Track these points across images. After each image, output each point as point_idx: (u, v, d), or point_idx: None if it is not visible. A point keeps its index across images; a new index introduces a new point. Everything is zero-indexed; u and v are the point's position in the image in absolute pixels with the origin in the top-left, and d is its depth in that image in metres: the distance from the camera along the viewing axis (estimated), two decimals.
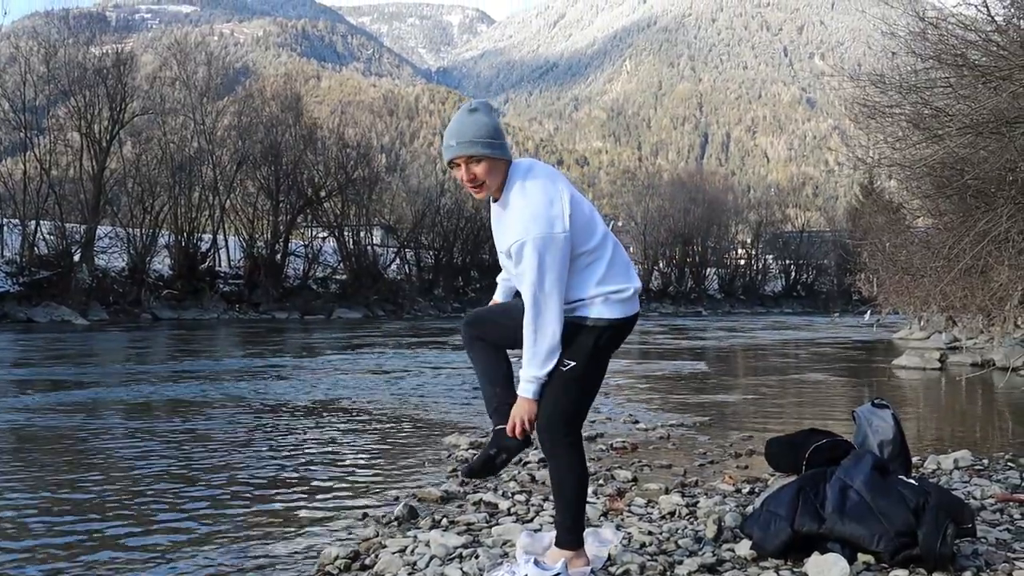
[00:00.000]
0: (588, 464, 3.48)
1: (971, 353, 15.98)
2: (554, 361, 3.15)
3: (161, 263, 38.63)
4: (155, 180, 38.68)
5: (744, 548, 3.61)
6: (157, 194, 38.65)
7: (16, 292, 31.03)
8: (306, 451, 6.48)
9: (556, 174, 3.28)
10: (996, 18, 10.40)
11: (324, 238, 46.13)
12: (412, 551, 3.70)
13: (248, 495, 5.05)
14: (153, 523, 4.43)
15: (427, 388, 11.02)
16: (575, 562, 3.26)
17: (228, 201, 42.77)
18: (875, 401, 4.85)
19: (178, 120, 41.56)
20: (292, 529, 4.32)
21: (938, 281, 13.88)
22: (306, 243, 45.29)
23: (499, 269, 3.66)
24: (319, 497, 5.01)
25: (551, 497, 4.56)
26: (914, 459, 5.37)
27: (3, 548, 3.97)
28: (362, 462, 6.11)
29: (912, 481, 3.61)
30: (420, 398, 9.93)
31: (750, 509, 4.14)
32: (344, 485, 5.35)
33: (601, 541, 3.65)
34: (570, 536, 3.30)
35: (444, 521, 4.25)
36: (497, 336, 3.41)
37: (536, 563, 3.07)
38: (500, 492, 4.91)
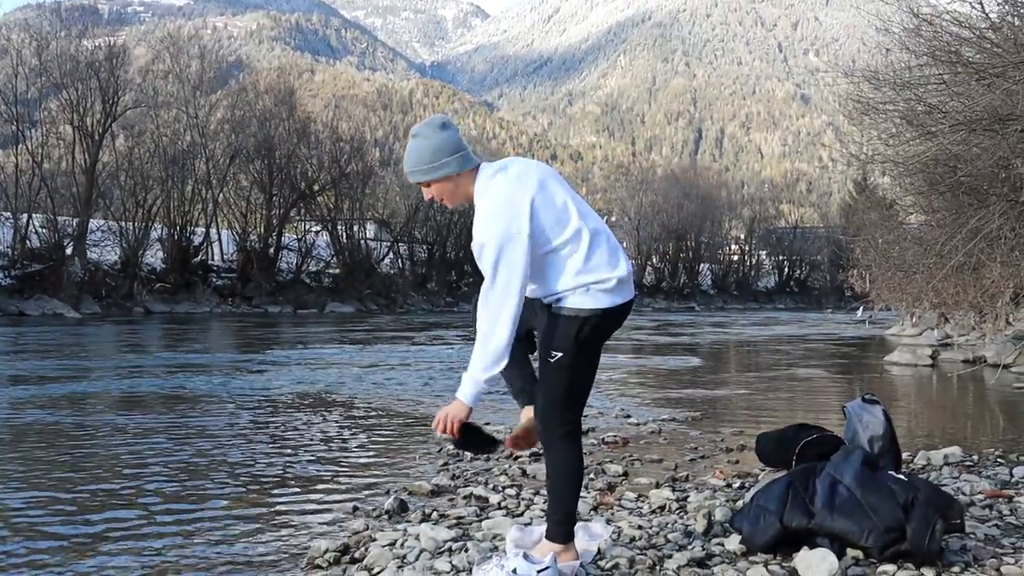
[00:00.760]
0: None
1: (963, 350, 16.04)
2: (498, 369, 3.12)
3: (154, 257, 38.53)
4: (148, 173, 38.57)
5: (733, 542, 3.62)
6: (150, 187, 38.53)
7: (8, 285, 30.95)
8: (296, 445, 6.47)
9: (528, 171, 3.25)
10: (990, 15, 10.42)
11: (317, 232, 46.07)
12: (402, 544, 3.70)
13: (238, 488, 5.04)
14: (141, 516, 4.41)
15: (418, 382, 11.02)
16: (564, 556, 3.26)
17: (221, 195, 42.71)
18: (865, 397, 4.85)
19: (171, 113, 41.43)
20: (282, 522, 4.31)
21: (930, 278, 13.89)
22: (299, 237, 45.20)
23: None
24: (309, 490, 5.00)
25: (542, 491, 4.57)
26: (904, 455, 5.38)
27: None
28: (352, 456, 6.11)
29: (902, 477, 3.62)
30: (411, 392, 9.93)
31: (740, 504, 4.14)
32: (334, 479, 5.34)
33: (591, 535, 3.64)
34: (561, 529, 3.30)
35: (434, 515, 4.25)
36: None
37: (525, 557, 3.07)
38: (490, 486, 4.91)
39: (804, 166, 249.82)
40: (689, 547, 3.63)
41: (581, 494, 4.41)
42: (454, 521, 4.12)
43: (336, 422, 7.63)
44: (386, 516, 4.32)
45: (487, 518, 4.14)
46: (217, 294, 38.62)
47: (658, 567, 3.38)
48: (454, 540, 3.73)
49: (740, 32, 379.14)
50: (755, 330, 28.99)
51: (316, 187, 44.94)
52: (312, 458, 5.98)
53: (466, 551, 3.53)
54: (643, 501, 4.54)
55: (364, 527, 4.09)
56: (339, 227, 45.73)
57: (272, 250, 42.56)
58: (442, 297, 47.96)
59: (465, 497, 4.67)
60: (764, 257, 75.19)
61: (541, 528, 3.48)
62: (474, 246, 3.17)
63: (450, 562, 3.40)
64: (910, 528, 3.31)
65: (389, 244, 49.36)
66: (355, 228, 46.99)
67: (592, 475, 5.22)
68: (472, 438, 3.27)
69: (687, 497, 4.58)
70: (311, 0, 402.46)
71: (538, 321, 3.34)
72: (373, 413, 8.25)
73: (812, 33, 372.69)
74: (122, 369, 12.21)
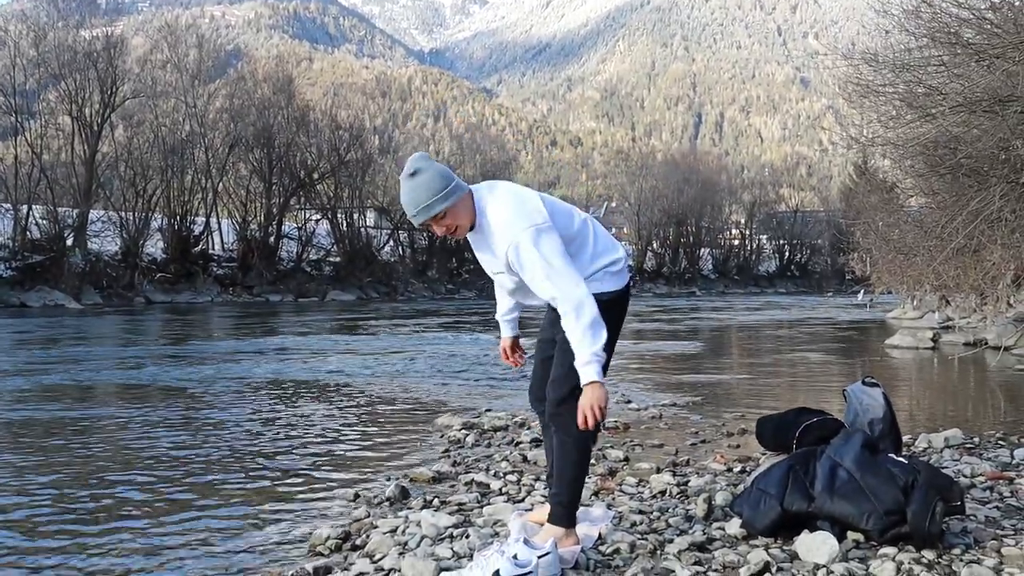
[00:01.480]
0: None
1: (964, 332, 16.03)
2: (603, 331, 3.10)
3: (154, 246, 38.48)
4: (147, 163, 38.47)
5: (734, 526, 3.63)
6: (149, 177, 38.44)
7: (9, 277, 30.92)
8: (298, 432, 6.48)
9: (517, 185, 3.34)
10: None
11: (317, 220, 46.02)
12: (403, 531, 3.71)
13: (239, 476, 5.06)
14: (142, 505, 4.43)
15: (420, 370, 11.03)
16: (565, 541, 3.27)
17: (221, 184, 42.63)
18: (866, 380, 4.85)
19: (170, 103, 41.28)
20: (283, 509, 4.32)
21: (931, 260, 13.87)
22: (299, 226, 45.14)
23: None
24: (310, 477, 5.01)
25: (542, 477, 4.58)
26: (905, 437, 5.38)
27: None
28: (354, 443, 6.11)
29: (902, 459, 3.62)
30: (412, 379, 9.93)
31: (741, 488, 4.15)
32: (335, 466, 5.35)
33: (592, 520, 3.66)
34: (565, 512, 3.32)
35: (435, 501, 4.25)
36: None
37: (526, 542, 3.08)
38: (492, 472, 4.91)
39: (804, 150, 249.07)
40: (690, 531, 3.63)
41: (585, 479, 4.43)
42: (455, 507, 4.13)
43: (338, 409, 7.63)
44: (387, 503, 4.32)
45: (488, 504, 4.14)
46: (218, 283, 38.61)
47: (659, 551, 3.39)
48: (455, 526, 3.74)
49: (739, 15, 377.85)
50: (756, 314, 28.99)
51: (316, 175, 44.88)
52: (313, 445, 5.99)
53: (467, 537, 3.54)
54: (644, 486, 4.54)
55: (365, 514, 4.10)
56: (339, 215, 45.67)
57: (272, 239, 42.51)
58: (443, 284, 47.93)
59: (466, 483, 4.67)
60: (765, 241, 75.05)
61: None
62: (503, 255, 3.17)
63: (451, 548, 3.41)
64: (910, 511, 3.31)
65: (389, 232, 49.30)
66: (355, 216, 46.93)
67: (593, 460, 5.22)
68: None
69: (688, 482, 4.58)
70: None
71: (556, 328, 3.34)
72: (374, 400, 8.27)
73: (811, 16, 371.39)
74: (123, 360, 12.21)
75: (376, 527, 3.82)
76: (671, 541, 3.48)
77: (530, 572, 3.00)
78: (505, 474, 4.84)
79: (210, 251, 41.35)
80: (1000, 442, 5.88)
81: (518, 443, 5.77)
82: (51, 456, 5.65)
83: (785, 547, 3.40)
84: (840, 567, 3.14)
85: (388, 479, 4.85)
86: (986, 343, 13.79)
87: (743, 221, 74.58)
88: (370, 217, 49.89)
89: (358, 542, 3.66)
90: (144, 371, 10.67)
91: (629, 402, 7.89)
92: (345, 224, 45.93)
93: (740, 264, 71.27)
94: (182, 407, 7.73)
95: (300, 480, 4.97)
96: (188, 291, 36.45)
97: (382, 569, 3.27)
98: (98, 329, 19.46)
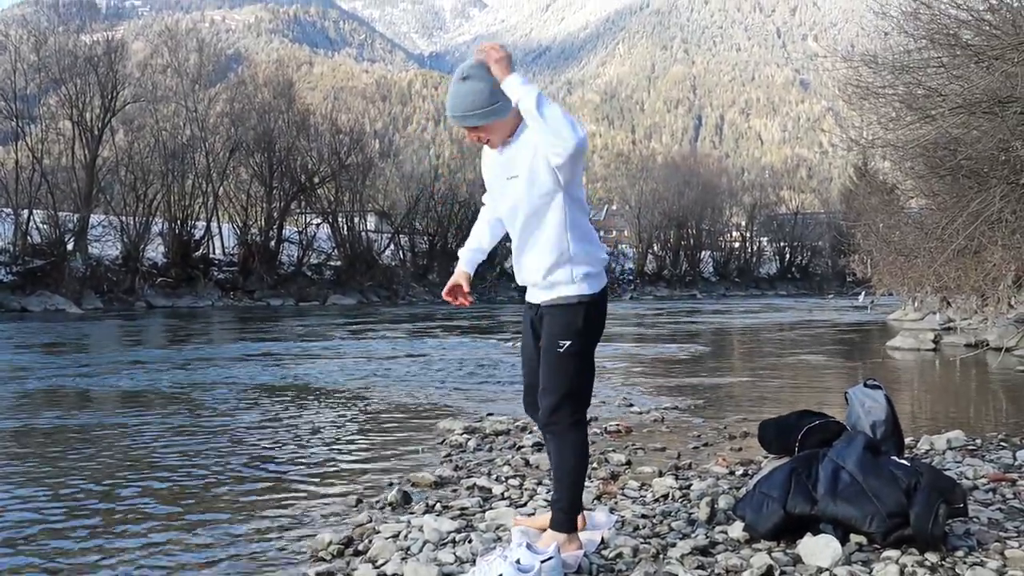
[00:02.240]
0: None
1: (965, 334, 16.02)
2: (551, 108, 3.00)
3: (155, 251, 38.49)
4: (148, 168, 38.51)
5: (737, 530, 3.62)
6: (150, 182, 38.49)
7: (10, 281, 30.95)
8: (299, 436, 6.47)
9: None
10: None
11: (318, 224, 46.02)
12: (405, 536, 3.70)
13: (240, 480, 5.05)
14: (145, 509, 4.42)
15: (421, 373, 11.02)
16: (568, 546, 3.27)
17: (221, 188, 42.68)
18: (867, 382, 4.84)
19: (170, 107, 41.35)
20: (285, 515, 4.31)
21: (932, 262, 13.89)
22: (300, 230, 45.17)
23: (492, 258, 3.65)
24: (312, 482, 5.01)
25: (545, 481, 4.58)
26: (907, 439, 5.38)
27: None
28: (356, 447, 6.11)
29: (904, 462, 3.61)
30: (414, 383, 9.92)
31: (743, 491, 4.14)
32: (337, 470, 5.35)
33: (594, 525, 3.65)
34: (566, 518, 3.31)
35: (438, 506, 4.25)
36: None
37: (529, 547, 3.07)
38: (494, 477, 4.90)
39: (804, 152, 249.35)
40: (693, 535, 3.63)
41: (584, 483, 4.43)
42: (457, 512, 4.12)
43: (339, 414, 7.63)
44: (390, 508, 4.32)
45: (491, 509, 4.14)
46: (219, 288, 38.63)
47: (662, 556, 3.39)
48: (458, 531, 3.73)
49: (738, 18, 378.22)
50: (757, 317, 28.98)
51: (316, 179, 44.91)
52: (315, 450, 5.98)
53: (470, 542, 3.53)
54: (646, 490, 4.53)
55: (368, 519, 4.09)
56: (340, 219, 45.70)
57: (273, 243, 42.53)
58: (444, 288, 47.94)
59: (468, 488, 4.66)
60: (765, 244, 75.12)
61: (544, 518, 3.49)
62: (532, 147, 3.14)
63: (454, 553, 3.41)
64: (913, 513, 3.30)
65: (390, 236, 49.32)
66: (356, 220, 46.96)
67: (595, 464, 5.22)
68: None
69: (690, 485, 4.57)
70: None
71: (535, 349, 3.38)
72: (376, 405, 8.26)
73: (811, 18, 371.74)
74: (124, 364, 12.21)
75: (378, 532, 3.81)
76: (674, 545, 3.48)
77: None
78: (507, 478, 4.83)
79: (211, 255, 41.37)
80: (1002, 444, 5.87)
81: (520, 447, 5.76)
82: (52, 463, 5.64)
83: (788, 550, 3.39)
84: (843, 570, 3.14)
85: (390, 484, 4.84)
86: (987, 344, 13.78)
87: (743, 223, 74.68)
88: (371, 221, 49.93)
89: (360, 547, 3.65)
90: (145, 376, 10.67)
91: (631, 405, 7.89)
92: (346, 228, 45.95)
93: (741, 266, 71.33)
94: (183, 412, 7.72)
95: (302, 485, 4.96)
96: (189, 295, 36.47)
97: (385, 574, 3.27)
98: (99, 334, 19.46)
